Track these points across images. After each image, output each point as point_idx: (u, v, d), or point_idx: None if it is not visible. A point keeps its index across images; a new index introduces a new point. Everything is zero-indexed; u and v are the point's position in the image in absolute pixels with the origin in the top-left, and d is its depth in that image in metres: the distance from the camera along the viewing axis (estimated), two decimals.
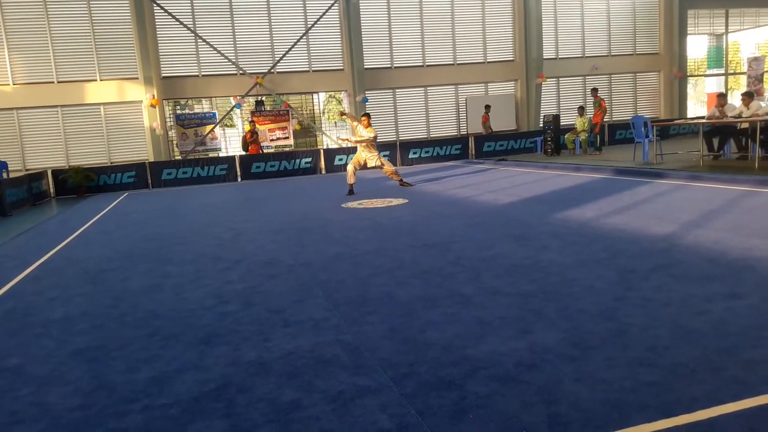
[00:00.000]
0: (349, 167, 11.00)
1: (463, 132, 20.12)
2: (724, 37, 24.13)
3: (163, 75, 17.65)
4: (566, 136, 16.00)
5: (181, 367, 3.16)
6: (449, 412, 2.44)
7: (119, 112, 17.60)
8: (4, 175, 14.25)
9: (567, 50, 21.06)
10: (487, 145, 17.87)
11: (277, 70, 18.40)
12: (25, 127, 17.05)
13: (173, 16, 17.39)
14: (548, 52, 20.56)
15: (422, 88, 19.98)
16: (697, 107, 37.69)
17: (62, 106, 17.12)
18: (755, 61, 22.05)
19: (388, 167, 11.15)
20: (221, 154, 18.70)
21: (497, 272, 4.59)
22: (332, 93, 25.92)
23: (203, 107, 20.08)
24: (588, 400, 2.44)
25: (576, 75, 21.16)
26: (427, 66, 19.84)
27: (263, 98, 18.62)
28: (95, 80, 17.23)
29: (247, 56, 18.22)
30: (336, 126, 32.08)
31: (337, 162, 16.90)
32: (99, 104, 17.37)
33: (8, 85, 16.62)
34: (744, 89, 21.83)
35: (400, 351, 3.14)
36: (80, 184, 14.89)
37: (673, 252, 4.83)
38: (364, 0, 18.80)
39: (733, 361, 2.72)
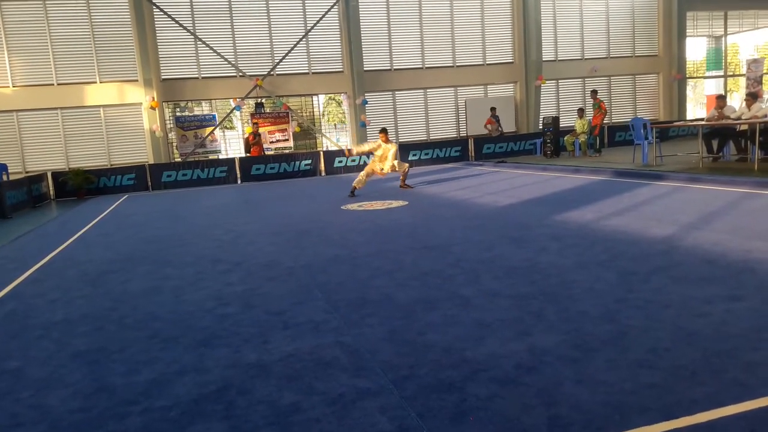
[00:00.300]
0: (362, 175, 10.98)
1: (463, 134, 20.13)
2: (723, 39, 24.16)
3: (163, 77, 17.65)
4: (566, 138, 16.01)
5: (180, 370, 3.16)
6: (449, 414, 2.44)
7: (119, 115, 17.60)
8: (4, 178, 14.24)
9: (566, 52, 21.08)
10: (486, 147, 17.88)
11: (277, 73, 18.41)
12: (25, 129, 17.04)
13: (173, 19, 17.40)
14: (547, 54, 20.58)
15: (422, 90, 19.99)
16: (696, 109, 37.72)
17: (62, 108, 17.12)
18: (754, 63, 22.09)
19: (402, 167, 11.20)
20: (221, 156, 18.69)
21: (497, 274, 4.59)
22: (332, 95, 25.94)
23: (203, 109, 20.09)
24: (588, 402, 2.44)
25: (575, 77, 21.18)
26: (427, 68, 19.85)
27: (263, 100, 18.63)
28: (95, 82, 17.23)
29: (247, 58, 18.23)
30: (335, 128, 32.12)
31: (336, 164, 16.90)
32: (99, 106, 17.37)
33: (8, 87, 16.62)
34: (743, 91, 21.89)
35: (400, 353, 3.14)
36: (80, 186, 14.89)
37: (672, 254, 4.83)
38: (364, 2, 18.82)
39: (734, 364, 2.72)
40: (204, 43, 17.71)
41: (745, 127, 10.53)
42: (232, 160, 16.64)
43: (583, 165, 12.62)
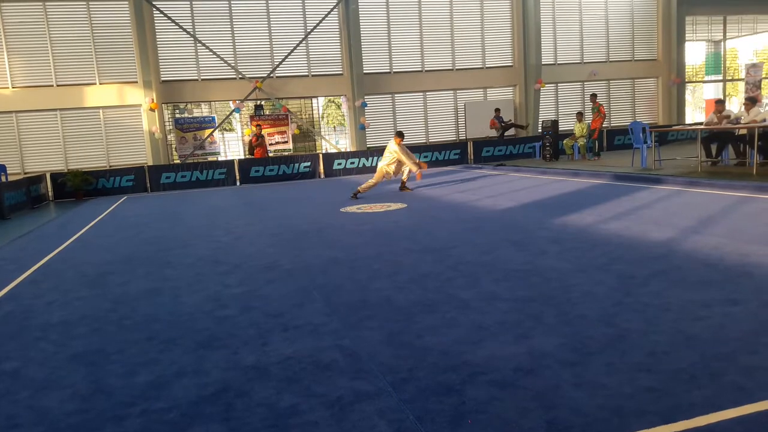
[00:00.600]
0: (372, 181, 10.94)
1: (462, 137, 20.15)
2: (722, 43, 24.22)
3: (163, 79, 17.66)
4: (565, 141, 16.03)
5: (179, 371, 3.15)
6: (448, 417, 2.44)
7: (118, 116, 17.60)
8: (3, 178, 14.24)
9: (565, 56, 21.12)
10: (485, 150, 17.91)
11: (277, 75, 18.43)
12: (24, 130, 17.04)
13: (173, 21, 17.42)
14: (547, 58, 20.62)
15: (421, 93, 20.01)
16: (695, 113, 37.78)
17: (61, 109, 17.12)
18: (753, 67, 22.14)
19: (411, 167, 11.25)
20: (220, 158, 18.70)
21: (496, 277, 4.59)
22: (331, 98, 25.95)
23: (202, 111, 20.10)
24: (587, 406, 2.44)
25: (574, 81, 21.22)
26: (426, 71, 19.88)
27: (262, 102, 18.65)
28: (95, 84, 17.24)
29: (247, 60, 18.25)
30: (335, 131, 32.13)
31: (335, 166, 16.92)
32: (98, 108, 17.37)
33: (7, 88, 16.62)
34: (742, 95, 21.94)
35: (399, 356, 3.13)
36: (79, 187, 14.88)
37: (671, 258, 4.84)
38: (364, 5, 18.85)
39: (732, 367, 2.72)
40: (204, 45, 17.72)
41: (743, 131, 10.55)
42: (231, 161, 16.65)
43: (582, 168, 12.63)
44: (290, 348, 3.38)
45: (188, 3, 17.64)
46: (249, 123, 18.50)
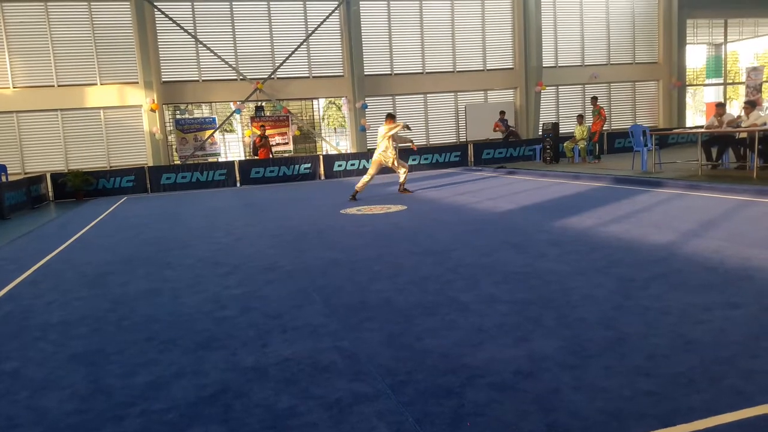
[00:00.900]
0: (367, 177, 10.95)
1: (463, 139, 20.15)
2: (723, 46, 24.24)
3: (164, 80, 17.68)
4: (565, 144, 16.04)
5: (178, 372, 3.15)
6: (447, 419, 2.43)
7: (119, 117, 17.61)
8: (3, 178, 14.24)
9: (566, 59, 21.13)
10: (486, 153, 17.92)
11: (277, 76, 18.44)
12: (25, 130, 17.05)
13: (174, 21, 17.43)
14: (548, 61, 20.63)
15: (422, 95, 20.02)
16: (695, 116, 37.82)
17: (62, 109, 17.13)
18: (754, 70, 22.17)
19: (401, 167, 11.22)
20: (220, 159, 18.71)
21: (496, 279, 4.59)
22: (332, 99, 25.96)
23: (203, 112, 20.11)
24: (586, 409, 2.44)
25: (575, 83, 21.23)
26: (427, 73, 19.89)
27: (263, 104, 18.66)
28: (95, 84, 17.25)
29: (248, 62, 18.26)
30: (335, 132, 32.14)
31: (336, 168, 16.92)
32: (99, 108, 17.38)
33: (8, 88, 16.63)
34: (743, 99, 21.94)
35: (398, 358, 3.13)
36: (79, 187, 14.88)
37: (671, 261, 4.83)
38: (365, 7, 18.87)
39: (732, 371, 2.72)
40: (205, 46, 17.74)
41: (744, 134, 10.55)
42: (232, 163, 16.66)
43: (583, 171, 12.63)
44: (289, 349, 3.38)
45: (189, 4, 17.66)
46: (250, 124, 18.52)
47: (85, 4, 16.94)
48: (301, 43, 18.41)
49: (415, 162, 17.42)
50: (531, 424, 2.35)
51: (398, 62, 19.62)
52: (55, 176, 15.18)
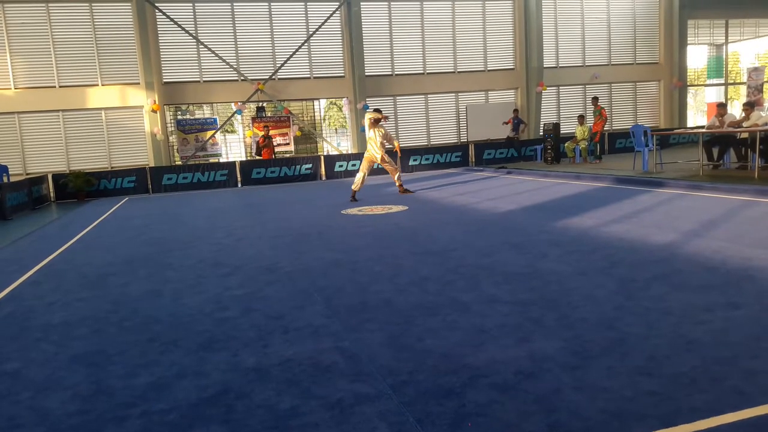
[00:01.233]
0: (359, 176, 10.98)
1: (464, 140, 20.15)
2: (724, 47, 24.22)
3: (165, 80, 17.69)
4: (566, 144, 16.04)
5: (180, 373, 3.15)
6: (448, 420, 2.43)
7: (120, 117, 17.63)
8: (5, 179, 14.26)
9: (567, 59, 21.12)
10: (487, 153, 17.92)
11: (279, 77, 18.45)
12: (27, 131, 17.07)
13: (175, 22, 17.45)
14: (549, 61, 20.62)
15: (423, 96, 20.02)
16: (697, 117, 37.79)
17: (63, 110, 17.15)
18: (755, 71, 22.14)
19: (393, 171, 11.21)
20: (222, 160, 18.72)
21: (496, 280, 4.59)
22: (333, 100, 25.98)
23: (204, 113, 20.12)
24: (588, 409, 2.44)
25: (576, 84, 21.22)
26: (428, 74, 19.90)
27: (264, 104, 18.67)
28: (97, 85, 17.27)
29: (249, 62, 18.28)
30: (336, 133, 32.16)
31: (337, 168, 16.93)
32: (100, 109, 17.40)
33: (10, 89, 16.66)
34: (744, 99, 21.92)
35: (399, 358, 3.13)
36: (81, 188, 14.90)
37: (672, 261, 4.83)
38: (366, 8, 18.88)
39: (733, 371, 2.72)
40: (206, 46, 17.75)
41: (745, 135, 10.55)
42: (233, 163, 16.67)
43: (584, 172, 12.63)
44: (290, 350, 3.38)
45: (191, 5, 17.68)
46: (251, 125, 18.53)
47: (87, 5, 16.96)
48: (302, 44, 18.43)
49: (416, 162, 17.42)
50: (532, 424, 2.35)
51: (399, 63, 19.62)
52: (57, 177, 15.20)
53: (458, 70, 20.16)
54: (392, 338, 3.45)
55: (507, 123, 18.46)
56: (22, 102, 16.73)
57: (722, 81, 24.71)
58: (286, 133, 18.68)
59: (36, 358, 3.57)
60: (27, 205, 13.13)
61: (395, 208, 9.35)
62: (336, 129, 34.66)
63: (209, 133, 18.24)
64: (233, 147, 23.57)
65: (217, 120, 18.80)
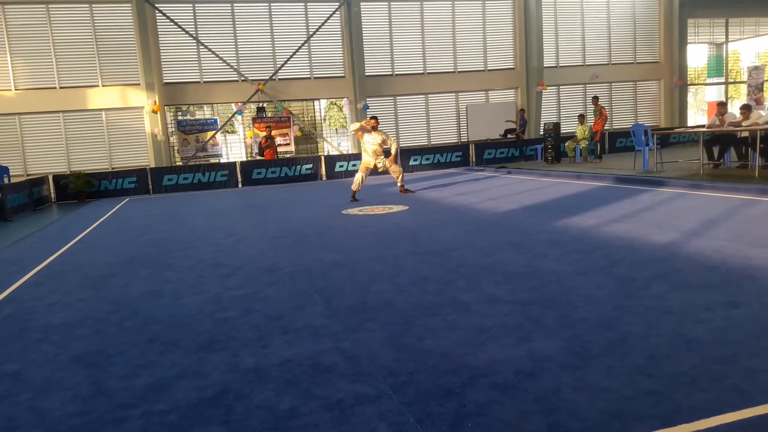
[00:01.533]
0: (358, 176, 10.99)
1: (464, 139, 20.15)
2: (724, 46, 24.20)
3: (165, 81, 17.70)
4: (566, 144, 16.03)
5: (180, 374, 3.15)
6: (448, 420, 2.43)
7: (121, 118, 17.63)
8: (6, 180, 14.27)
9: (567, 58, 21.11)
10: (487, 153, 17.92)
11: (279, 77, 18.45)
12: (27, 132, 17.08)
13: (175, 23, 17.46)
14: (549, 61, 20.61)
15: (423, 96, 20.02)
16: (697, 116, 37.76)
17: (64, 111, 17.16)
18: (755, 70, 22.10)
19: (394, 169, 11.21)
20: (222, 161, 18.73)
21: (497, 280, 4.58)
22: (333, 100, 25.99)
23: (204, 113, 20.14)
24: (588, 409, 2.44)
25: (576, 83, 21.21)
26: (428, 73, 19.89)
27: (264, 105, 18.68)
28: (97, 86, 17.28)
29: (249, 63, 18.28)
30: (337, 133, 32.16)
31: (337, 168, 16.93)
32: (101, 110, 17.41)
33: (10, 90, 16.67)
34: (744, 98, 21.91)
35: (399, 359, 3.13)
36: (81, 189, 14.91)
37: (673, 260, 4.83)
38: (366, 8, 18.88)
39: (733, 371, 2.71)
40: (206, 47, 17.76)
41: (746, 134, 10.54)
42: (234, 164, 16.67)
43: (584, 171, 12.62)
44: (290, 350, 3.38)
45: (191, 5, 17.68)
46: (251, 125, 18.53)
47: (87, 6, 16.97)
48: (302, 45, 18.43)
49: (417, 162, 17.42)
50: (532, 424, 2.35)
51: (399, 63, 19.62)
52: (57, 178, 15.21)
53: (458, 69, 20.15)
54: (392, 338, 3.45)
55: (515, 123, 18.56)
56: (22, 103, 16.74)
57: (722, 80, 24.68)
58: (287, 134, 18.68)
59: (36, 359, 3.57)
60: (28, 206, 13.14)
61: (396, 208, 9.35)
62: (336, 129, 34.65)
63: (210, 134, 18.25)
64: (234, 147, 23.58)
65: (218, 120, 18.80)
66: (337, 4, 18.53)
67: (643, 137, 12.04)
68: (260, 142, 16.77)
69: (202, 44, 17.73)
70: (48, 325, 4.24)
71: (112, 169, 17.21)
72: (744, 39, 25.49)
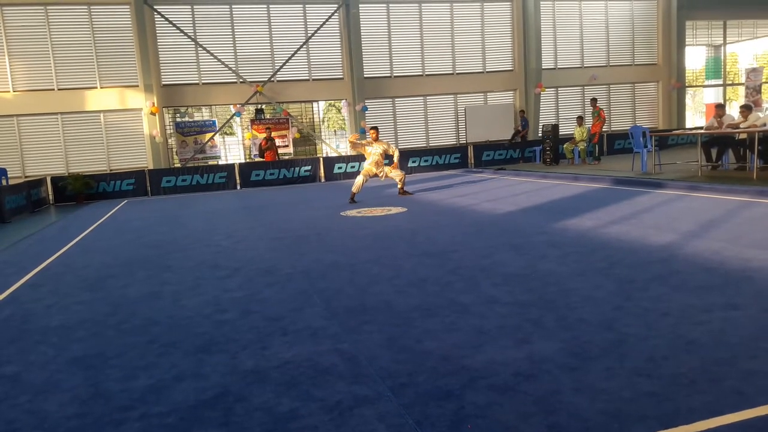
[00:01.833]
0: (360, 178, 10.99)
1: (462, 141, 20.16)
2: (723, 48, 24.25)
3: (164, 83, 17.70)
4: (565, 145, 16.05)
5: (178, 375, 3.15)
6: (447, 422, 2.43)
7: (119, 120, 17.63)
8: (4, 182, 14.25)
9: (566, 60, 21.15)
10: (486, 155, 17.93)
11: (277, 79, 18.46)
12: (25, 133, 17.06)
13: (174, 25, 17.46)
14: (547, 62, 20.64)
15: (421, 97, 20.04)
16: (695, 118, 37.83)
17: (62, 113, 17.15)
18: (753, 72, 22.18)
19: (397, 174, 11.23)
20: (221, 162, 18.72)
21: (495, 281, 4.59)
22: (332, 102, 26.00)
23: (203, 115, 20.13)
24: (587, 411, 2.44)
25: (575, 85, 21.25)
26: (427, 75, 19.91)
27: (263, 106, 18.68)
28: (95, 88, 17.27)
29: (248, 65, 18.29)
30: (335, 134, 32.17)
31: (336, 170, 16.92)
32: (99, 112, 17.40)
33: (8, 92, 16.65)
34: (742, 100, 21.95)
35: (398, 360, 3.13)
36: (79, 191, 14.89)
37: (671, 262, 4.83)
38: (364, 9, 18.90)
39: (732, 372, 2.72)
40: (205, 49, 17.76)
41: (744, 136, 10.56)
42: (232, 165, 16.66)
43: (583, 173, 12.64)
44: (289, 352, 3.38)
45: (189, 7, 17.68)
46: (250, 127, 18.53)
47: (85, 7, 16.96)
48: (301, 46, 18.44)
49: (415, 164, 17.42)
50: (531, 426, 2.35)
51: (398, 64, 19.64)
52: (56, 180, 15.19)
53: (457, 71, 20.18)
54: (391, 340, 3.45)
55: (519, 128, 18.69)
56: (20, 105, 16.73)
57: (720, 82, 24.74)
58: (285, 135, 18.68)
59: (35, 360, 3.56)
60: (26, 207, 13.12)
61: (394, 210, 9.35)
62: (335, 131, 34.66)
63: (208, 136, 18.24)
64: (232, 149, 23.59)
65: (216, 122, 18.80)
66: (336, 5, 18.55)
67: (641, 139, 12.06)
68: (260, 143, 16.76)
69: (201, 46, 17.73)
70: (46, 327, 4.23)
71: (111, 170, 17.20)
72: (742, 41, 25.54)
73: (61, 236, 9.09)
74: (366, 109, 18.80)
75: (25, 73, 16.81)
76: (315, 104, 20.05)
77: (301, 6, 18.52)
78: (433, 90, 20.00)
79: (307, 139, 19.95)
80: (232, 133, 25.85)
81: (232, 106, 18.83)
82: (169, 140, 18.28)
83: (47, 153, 17.22)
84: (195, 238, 7.97)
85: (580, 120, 15.85)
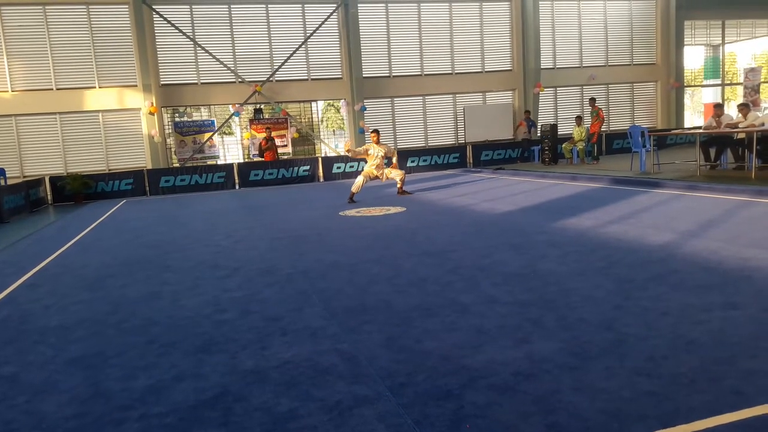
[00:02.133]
0: (360, 179, 11.00)
1: (461, 141, 20.17)
2: (721, 47, 24.28)
3: (162, 83, 17.68)
4: (564, 145, 16.05)
5: (178, 375, 3.14)
6: (447, 422, 2.43)
7: (118, 120, 17.60)
8: (2, 182, 14.23)
9: (565, 60, 21.16)
10: (484, 154, 17.93)
11: (276, 79, 18.45)
12: (24, 133, 17.03)
13: (173, 25, 17.44)
14: (546, 62, 20.65)
15: (420, 97, 20.03)
16: (694, 117, 37.87)
17: (61, 113, 17.12)
18: (752, 71, 22.22)
19: (398, 174, 11.25)
20: (219, 162, 18.70)
21: (495, 281, 4.59)
22: (331, 101, 26.00)
23: (202, 115, 20.10)
24: (587, 410, 2.44)
25: (573, 85, 21.25)
26: (426, 75, 19.91)
27: (262, 106, 18.66)
28: (94, 87, 17.25)
29: (246, 64, 18.27)
30: (334, 134, 32.17)
31: (335, 170, 16.92)
32: (98, 111, 17.37)
33: (7, 91, 16.62)
34: (741, 100, 21.98)
35: (398, 360, 3.13)
36: (78, 191, 14.87)
37: (670, 261, 4.84)
38: (363, 9, 18.89)
39: (731, 371, 2.72)
40: (203, 48, 17.74)
41: (742, 135, 10.57)
42: (231, 165, 16.65)
43: (581, 172, 12.64)
44: (289, 352, 3.38)
45: (188, 7, 17.66)
46: (248, 127, 18.52)
47: (84, 7, 16.94)
48: (300, 46, 18.43)
49: (414, 164, 17.42)
50: (531, 425, 2.35)
51: (397, 64, 19.63)
52: (54, 179, 15.17)
53: (456, 71, 20.17)
54: (391, 340, 3.44)
55: (520, 125, 18.62)
56: (19, 104, 16.70)
57: (719, 82, 24.77)
58: (284, 135, 18.66)
59: (33, 361, 3.55)
60: (24, 207, 13.10)
61: (393, 210, 9.35)
62: (334, 131, 34.68)
63: (207, 135, 18.22)
64: (231, 149, 23.56)
65: (215, 122, 18.78)
66: (335, 5, 18.54)
67: (640, 139, 12.06)
68: (260, 143, 16.75)
69: (200, 46, 17.72)
70: (45, 327, 4.23)
71: (109, 170, 17.17)
72: (740, 41, 25.57)
73: (60, 236, 9.08)
74: (365, 108, 18.80)
75: (24, 72, 16.78)
76: (314, 104, 20.04)
77: (300, 6, 18.51)
78: (432, 90, 20.00)
79: (306, 138, 19.94)
80: (230, 133, 25.84)
81: (230, 106, 18.81)
82: (168, 140, 18.25)
83: (46, 153, 17.19)
84: (194, 237, 7.96)
85: (579, 120, 15.86)
